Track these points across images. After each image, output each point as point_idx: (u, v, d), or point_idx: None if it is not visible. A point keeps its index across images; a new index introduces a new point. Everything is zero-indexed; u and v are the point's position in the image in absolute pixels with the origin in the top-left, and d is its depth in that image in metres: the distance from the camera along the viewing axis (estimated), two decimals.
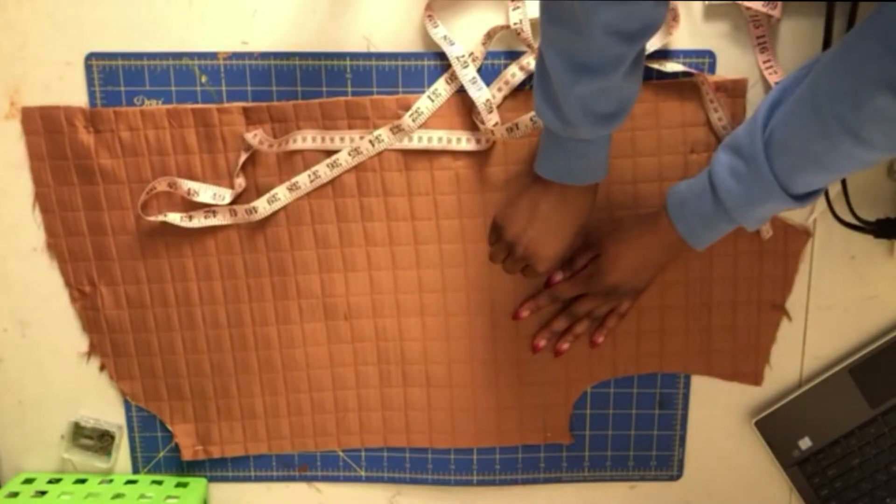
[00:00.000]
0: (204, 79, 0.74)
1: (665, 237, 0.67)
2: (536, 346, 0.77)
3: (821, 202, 0.74)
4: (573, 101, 0.58)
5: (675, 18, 0.71)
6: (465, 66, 0.71)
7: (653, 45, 0.72)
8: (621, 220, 0.71)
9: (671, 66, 0.71)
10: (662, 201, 0.67)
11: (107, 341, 0.80)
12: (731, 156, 0.61)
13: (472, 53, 0.72)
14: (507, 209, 0.71)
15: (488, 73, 0.73)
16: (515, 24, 0.71)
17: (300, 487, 0.84)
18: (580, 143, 0.63)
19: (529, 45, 0.71)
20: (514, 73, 0.72)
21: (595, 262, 0.72)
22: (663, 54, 0.72)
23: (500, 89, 0.72)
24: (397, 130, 0.73)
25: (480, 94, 0.71)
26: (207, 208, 0.75)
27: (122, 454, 0.83)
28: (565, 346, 0.77)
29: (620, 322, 0.76)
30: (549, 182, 0.67)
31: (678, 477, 0.82)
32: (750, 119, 0.61)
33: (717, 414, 0.81)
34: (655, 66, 0.71)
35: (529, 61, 0.72)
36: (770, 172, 0.58)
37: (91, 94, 0.74)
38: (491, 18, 0.72)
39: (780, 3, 0.69)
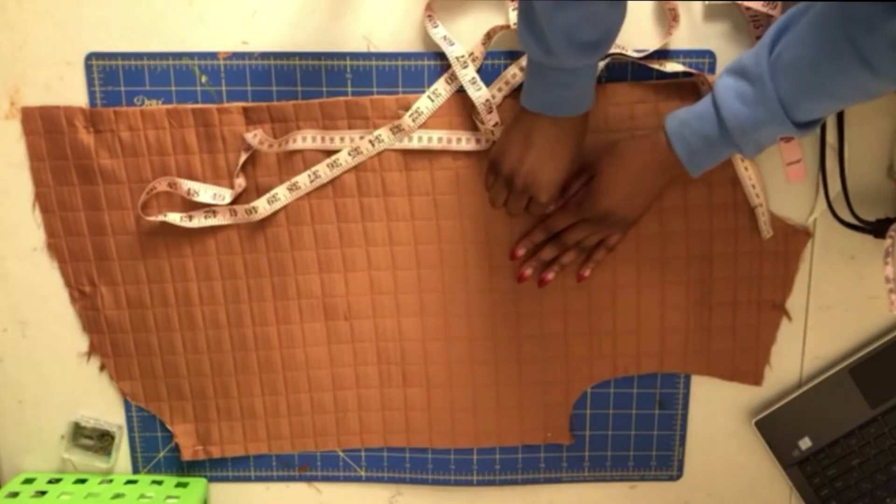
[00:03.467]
0: (204, 79, 0.74)
1: (661, 159, 0.66)
2: (523, 274, 0.75)
3: (821, 202, 0.74)
4: (556, 29, 0.58)
5: (676, 18, 0.71)
6: (465, 67, 0.71)
7: (653, 45, 0.72)
8: (617, 141, 0.70)
9: (671, 67, 0.71)
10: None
11: (107, 341, 0.80)
12: (735, 78, 0.61)
13: (472, 54, 0.72)
14: (500, 145, 0.70)
15: (488, 74, 0.73)
16: (516, 23, 0.71)
17: (300, 487, 0.84)
18: (565, 73, 0.63)
19: None
20: (514, 74, 0.72)
21: (588, 186, 0.71)
22: (663, 54, 0.72)
23: (500, 89, 0.72)
24: (397, 130, 0.73)
25: (480, 94, 0.71)
26: (207, 208, 0.75)
27: (122, 454, 0.83)
28: (550, 275, 0.75)
29: (608, 255, 0.74)
30: (538, 114, 0.66)
31: (678, 477, 0.82)
32: (756, 45, 0.61)
33: (717, 414, 0.81)
34: (655, 66, 0.72)
35: None
36: (774, 94, 0.58)
37: (91, 94, 0.74)
38: (491, 18, 0.72)
39: (780, 3, 0.69)
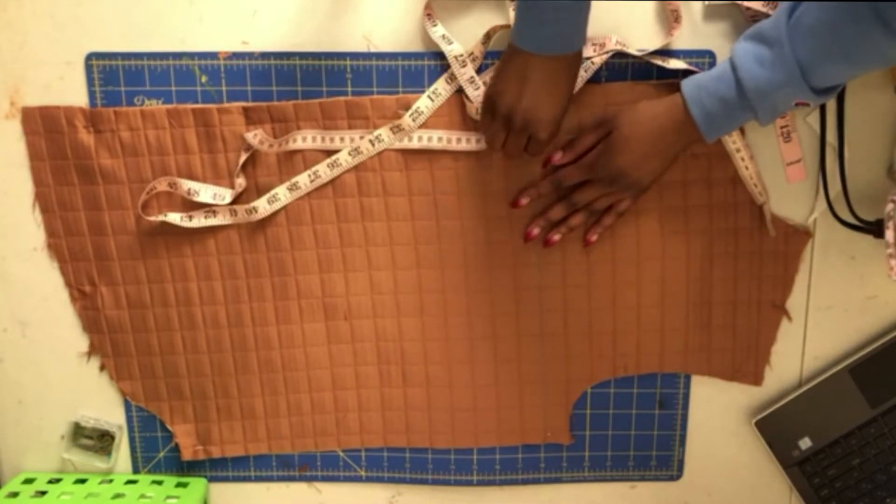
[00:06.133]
0: (204, 79, 0.74)
1: (678, 121, 0.66)
2: (529, 233, 0.75)
3: (821, 202, 0.74)
4: None
5: (678, 19, 0.71)
6: (464, 66, 0.71)
7: (653, 45, 0.72)
8: (637, 102, 0.69)
9: (674, 63, 0.71)
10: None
11: (107, 341, 0.80)
12: (753, 42, 0.61)
13: (471, 53, 0.72)
14: (495, 85, 0.69)
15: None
16: None
17: (300, 487, 0.84)
18: (554, 9, 0.62)
19: None
20: None
21: (605, 142, 0.69)
22: (664, 54, 0.72)
23: None
24: (397, 130, 0.73)
25: (478, 93, 0.71)
26: (207, 208, 0.75)
27: (122, 454, 0.83)
28: (556, 237, 0.74)
29: (616, 220, 0.74)
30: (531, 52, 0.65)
31: (678, 477, 0.82)
32: (774, 13, 0.61)
33: (717, 414, 0.81)
34: (658, 61, 0.71)
35: None
36: (792, 56, 0.58)
37: (91, 94, 0.74)
38: (491, 18, 0.72)
39: (779, 3, 0.69)
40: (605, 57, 0.71)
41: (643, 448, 0.81)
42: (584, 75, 0.71)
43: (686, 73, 0.71)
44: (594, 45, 0.71)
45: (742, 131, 0.73)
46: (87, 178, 0.76)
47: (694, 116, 0.65)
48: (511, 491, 0.83)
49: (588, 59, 0.71)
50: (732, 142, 0.72)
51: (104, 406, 0.82)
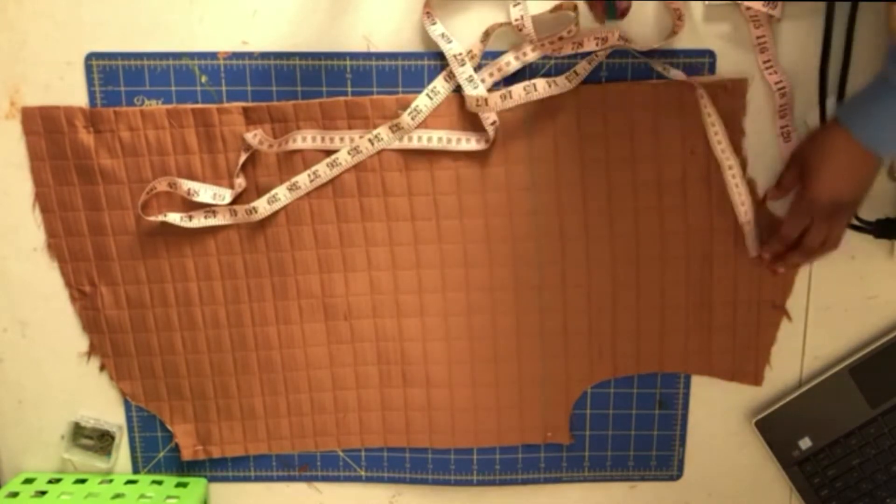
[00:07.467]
0: (204, 79, 0.74)
1: (845, 143, 0.65)
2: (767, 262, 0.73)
3: None
4: None
5: (681, 18, 0.71)
6: (462, 64, 0.71)
7: (653, 44, 0.72)
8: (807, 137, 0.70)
9: (675, 73, 0.71)
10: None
11: (107, 341, 0.80)
12: None
13: (470, 51, 0.72)
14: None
15: None
16: (516, 20, 0.70)
17: (300, 487, 0.84)
18: None
19: (531, 41, 0.71)
20: (508, 62, 0.72)
21: (802, 180, 0.69)
22: (664, 54, 0.72)
23: (491, 74, 0.72)
24: (396, 129, 0.73)
25: (476, 92, 0.71)
26: (207, 208, 0.75)
27: (122, 454, 0.83)
28: (781, 269, 0.73)
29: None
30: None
31: (678, 477, 0.82)
32: None
33: (717, 414, 0.81)
34: (659, 68, 0.71)
35: (526, 52, 0.72)
36: None
37: (91, 94, 0.74)
38: (491, 17, 0.72)
39: (780, 3, 0.69)
40: (607, 51, 0.71)
41: (643, 448, 0.81)
42: (587, 67, 0.71)
43: (686, 71, 0.71)
44: (596, 38, 0.71)
45: (741, 135, 0.73)
46: (87, 178, 0.76)
47: (861, 139, 0.64)
48: (511, 491, 0.83)
49: (592, 52, 0.71)
50: (726, 158, 0.72)
51: (104, 406, 0.82)
